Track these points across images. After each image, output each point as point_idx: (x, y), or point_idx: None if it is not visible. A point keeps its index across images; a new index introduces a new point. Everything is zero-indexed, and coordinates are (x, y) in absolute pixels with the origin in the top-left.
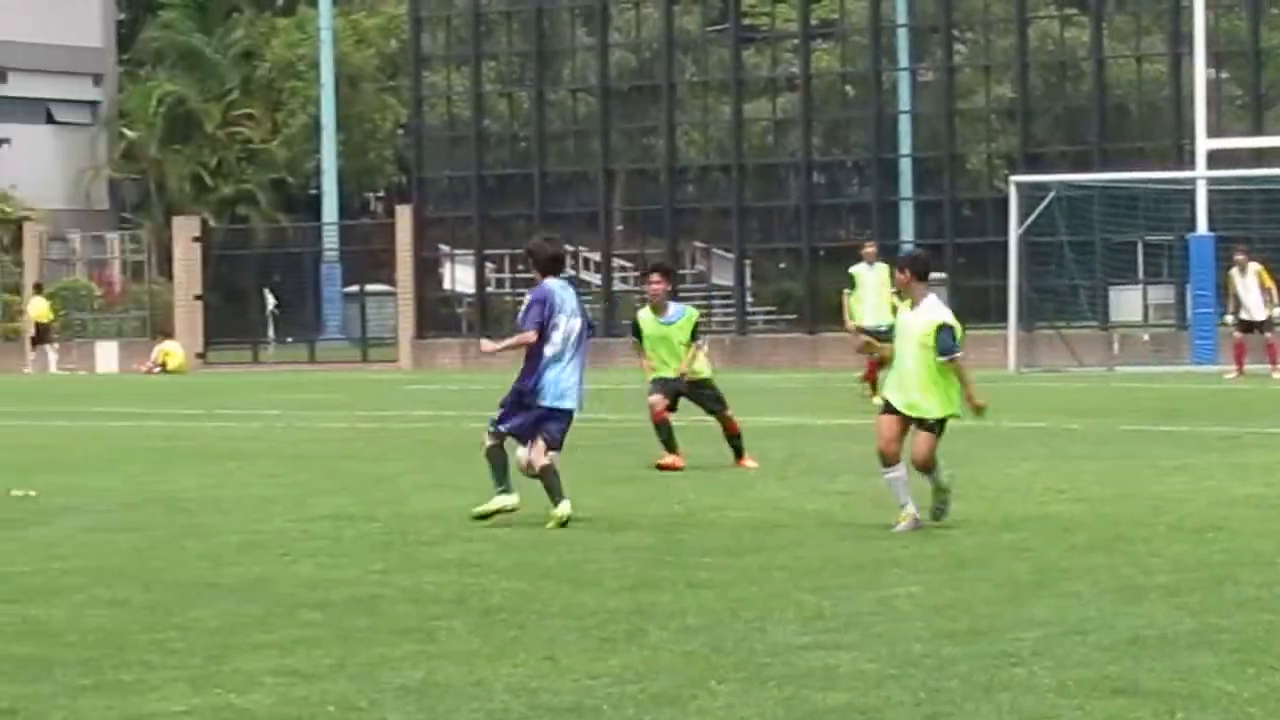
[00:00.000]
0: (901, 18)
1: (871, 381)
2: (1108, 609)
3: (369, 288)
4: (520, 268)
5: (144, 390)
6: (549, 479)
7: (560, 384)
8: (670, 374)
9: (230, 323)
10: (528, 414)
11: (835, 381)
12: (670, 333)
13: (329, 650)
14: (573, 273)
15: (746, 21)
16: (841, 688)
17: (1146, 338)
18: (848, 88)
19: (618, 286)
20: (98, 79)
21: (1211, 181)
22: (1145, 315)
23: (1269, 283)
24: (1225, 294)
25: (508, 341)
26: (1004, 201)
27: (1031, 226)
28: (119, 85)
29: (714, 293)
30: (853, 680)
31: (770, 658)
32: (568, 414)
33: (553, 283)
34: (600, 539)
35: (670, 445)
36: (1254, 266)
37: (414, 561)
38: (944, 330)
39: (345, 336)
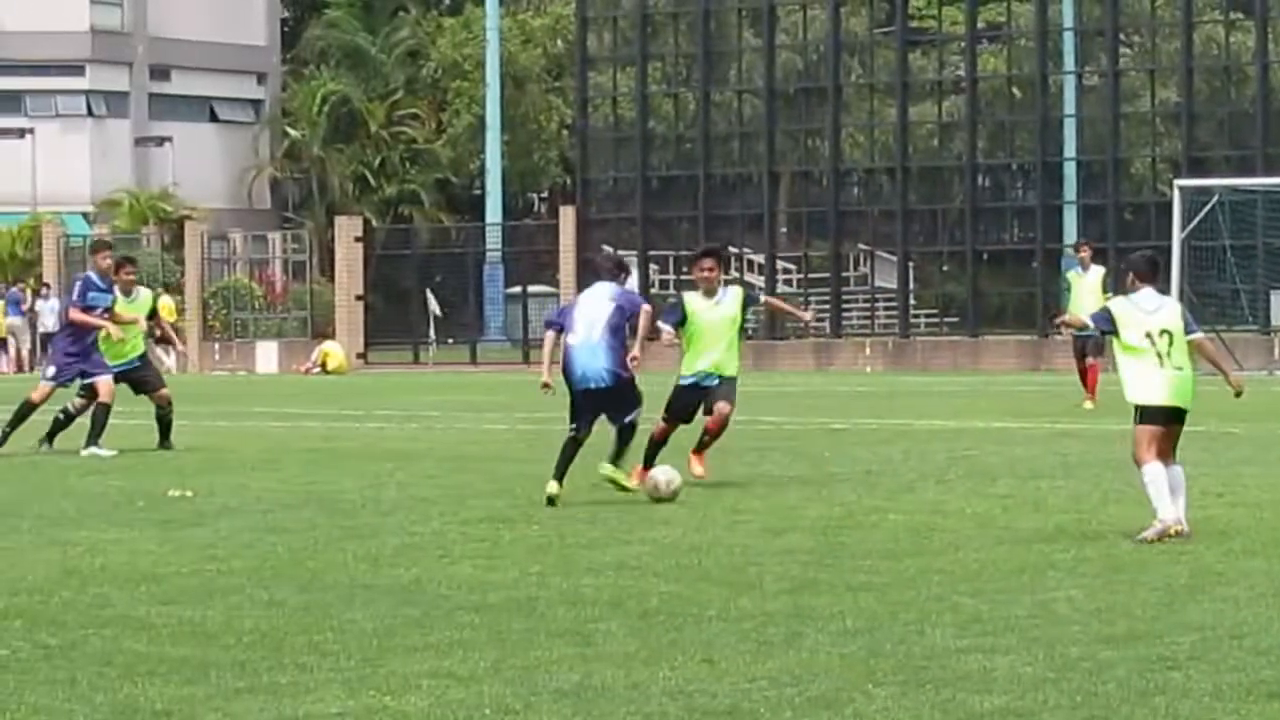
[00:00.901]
0: (1068, 21)
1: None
2: (1264, 613)
3: (532, 289)
4: (684, 270)
5: (303, 391)
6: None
7: None
8: (707, 366)
9: (391, 323)
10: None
11: (996, 385)
12: (721, 314)
13: (485, 653)
14: (736, 274)
15: (913, 24)
16: (998, 691)
17: None
18: (1013, 91)
19: (781, 289)
20: (261, 78)
21: None
22: None
23: None
24: None
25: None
26: (1167, 205)
27: (1194, 230)
28: (283, 84)
29: (877, 295)
30: (1009, 684)
31: (927, 661)
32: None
33: None
34: (760, 542)
35: (651, 461)
36: None
37: (571, 564)
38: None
39: (507, 338)
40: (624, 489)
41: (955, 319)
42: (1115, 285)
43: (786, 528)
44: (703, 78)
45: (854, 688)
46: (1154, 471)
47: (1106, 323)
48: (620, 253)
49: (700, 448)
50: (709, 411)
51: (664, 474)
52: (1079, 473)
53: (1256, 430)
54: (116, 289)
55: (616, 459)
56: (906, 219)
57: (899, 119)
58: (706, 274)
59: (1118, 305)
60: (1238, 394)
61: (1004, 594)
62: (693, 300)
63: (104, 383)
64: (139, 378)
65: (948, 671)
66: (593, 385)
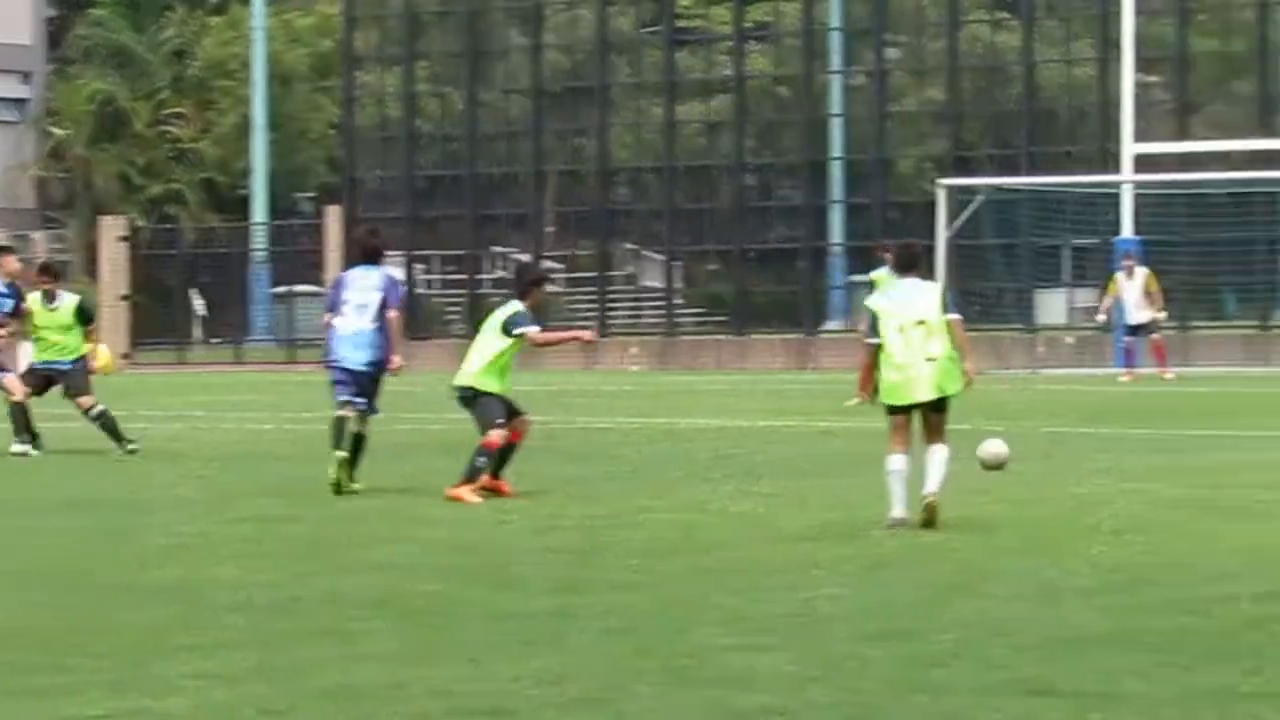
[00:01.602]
0: (834, 21)
1: None
2: (1027, 610)
3: (297, 288)
4: (450, 268)
5: None
6: None
7: None
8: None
9: (157, 323)
10: None
11: (762, 383)
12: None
13: (248, 653)
14: (501, 273)
15: (680, 23)
16: (762, 689)
17: (1071, 340)
18: (780, 90)
19: (549, 289)
20: (26, 76)
21: (1137, 186)
22: (1070, 318)
23: (1154, 288)
24: (1105, 296)
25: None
26: (933, 204)
27: (960, 229)
28: (48, 83)
29: (643, 294)
30: (773, 682)
31: (691, 659)
32: None
33: None
34: (525, 541)
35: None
36: (1141, 271)
37: (336, 564)
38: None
39: (273, 337)
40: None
41: (722, 318)
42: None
43: (551, 527)
44: (470, 77)
45: (617, 687)
46: (897, 463)
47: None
48: (387, 253)
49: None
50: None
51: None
52: (843, 471)
53: (1019, 429)
54: (34, 293)
55: (355, 460)
56: (673, 218)
57: (666, 118)
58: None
59: (875, 301)
60: (968, 383)
61: (768, 592)
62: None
63: (8, 380)
64: (65, 381)
65: (711, 670)
66: (351, 366)
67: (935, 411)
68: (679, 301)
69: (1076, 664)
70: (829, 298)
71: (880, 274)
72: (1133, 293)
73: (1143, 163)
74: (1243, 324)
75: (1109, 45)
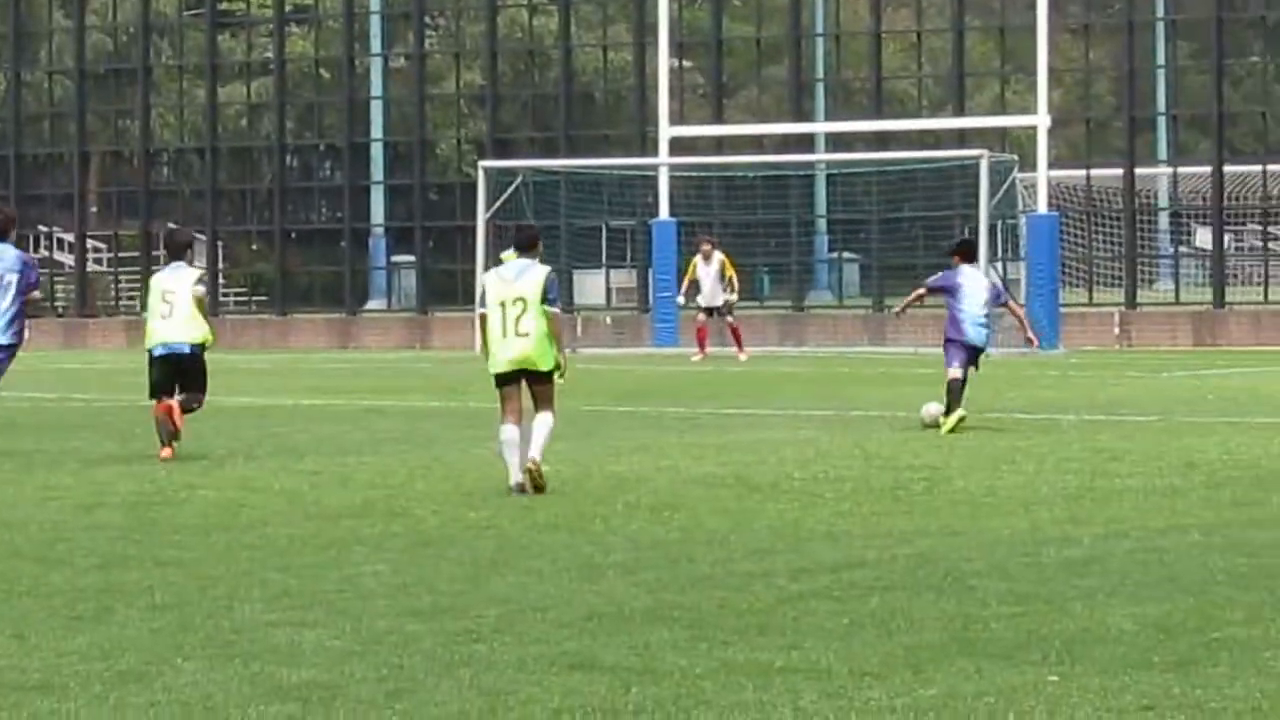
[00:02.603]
0: (375, 4)
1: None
2: (567, 586)
3: None
4: None
5: None
6: None
7: None
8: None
9: None
10: None
11: (305, 363)
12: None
13: None
14: (46, 253)
15: (222, 6)
16: (306, 664)
17: (609, 320)
18: (321, 72)
19: (92, 267)
20: None
21: (673, 168)
22: (608, 299)
23: (730, 271)
24: (684, 279)
25: None
26: (473, 186)
27: (499, 211)
28: None
29: None
30: (317, 657)
31: (236, 635)
32: None
33: None
34: (71, 518)
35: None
36: (719, 255)
37: None
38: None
39: None
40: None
41: (264, 297)
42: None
43: (97, 504)
44: (13, 58)
45: (163, 661)
46: (506, 433)
47: (483, 301)
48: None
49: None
50: None
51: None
52: (386, 449)
53: (558, 407)
54: None
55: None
56: (216, 198)
57: (208, 100)
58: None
59: (489, 276)
60: (561, 372)
61: (312, 569)
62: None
63: None
64: None
65: (256, 645)
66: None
67: (537, 383)
68: (222, 281)
69: (617, 639)
70: (370, 278)
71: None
72: (709, 276)
73: (679, 146)
74: (778, 305)
75: (645, 30)
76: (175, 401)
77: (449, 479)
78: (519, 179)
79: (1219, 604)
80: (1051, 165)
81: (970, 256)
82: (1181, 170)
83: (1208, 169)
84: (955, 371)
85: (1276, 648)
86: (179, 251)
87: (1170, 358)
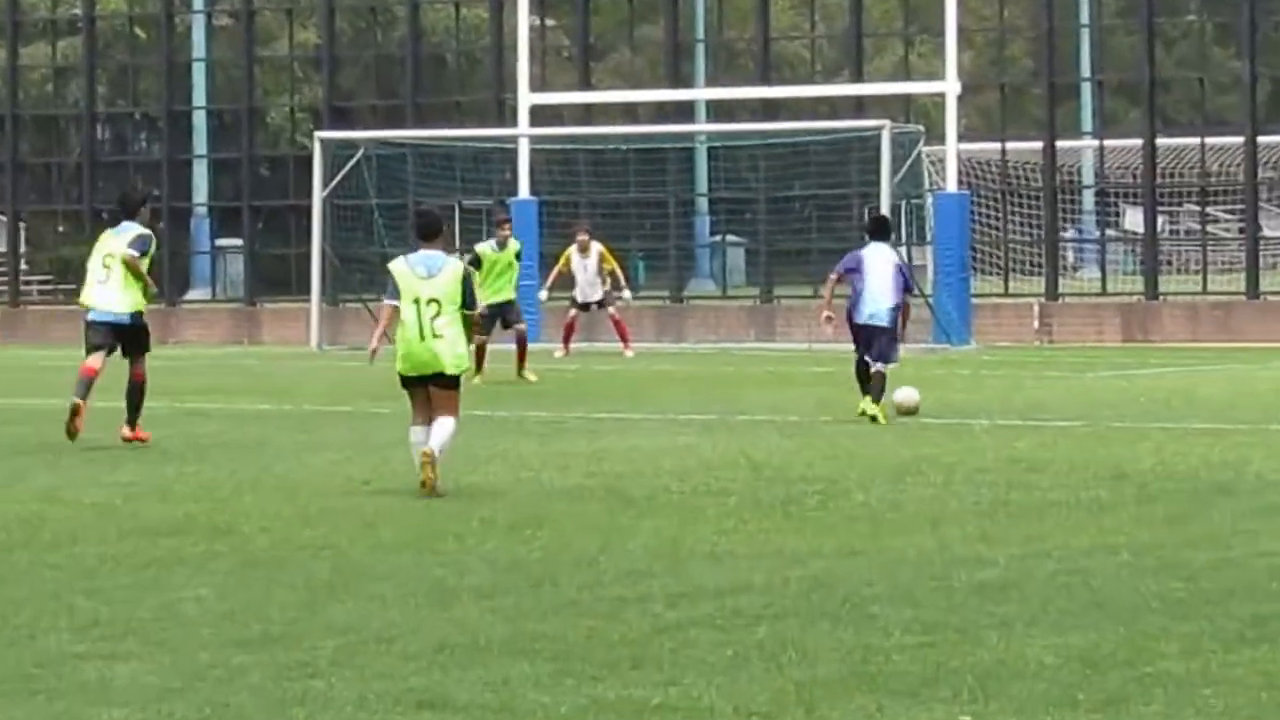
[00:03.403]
0: None
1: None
2: (415, 613)
3: None
4: None
5: None
6: None
7: None
8: None
9: None
10: None
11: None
12: None
13: None
14: None
15: None
16: (119, 702)
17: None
18: (136, 31)
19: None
20: None
21: (534, 140)
22: None
23: (611, 263)
24: (552, 271)
25: None
26: (308, 160)
27: (338, 188)
28: None
29: None
30: (132, 694)
31: (39, 669)
32: None
33: None
34: None
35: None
36: (597, 247)
37: None
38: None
39: None
40: None
41: (72, 286)
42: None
43: None
44: None
45: None
46: (417, 435)
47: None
48: None
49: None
50: None
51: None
52: (211, 457)
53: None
54: None
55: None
56: (17, 173)
57: (9, 61)
58: None
59: (396, 265)
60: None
61: (126, 593)
62: None
63: None
64: None
65: (63, 681)
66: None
67: (444, 387)
68: (24, 267)
69: (471, 673)
70: (192, 264)
71: (488, 248)
72: (586, 270)
73: (541, 115)
74: (654, 295)
75: None
76: (83, 407)
77: (281, 492)
78: (360, 152)
79: (1152, 634)
80: (962, 137)
81: (880, 233)
82: (1108, 143)
83: (1138, 142)
84: (858, 355)
85: (1216, 684)
86: (131, 210)
87: (1096, 355)
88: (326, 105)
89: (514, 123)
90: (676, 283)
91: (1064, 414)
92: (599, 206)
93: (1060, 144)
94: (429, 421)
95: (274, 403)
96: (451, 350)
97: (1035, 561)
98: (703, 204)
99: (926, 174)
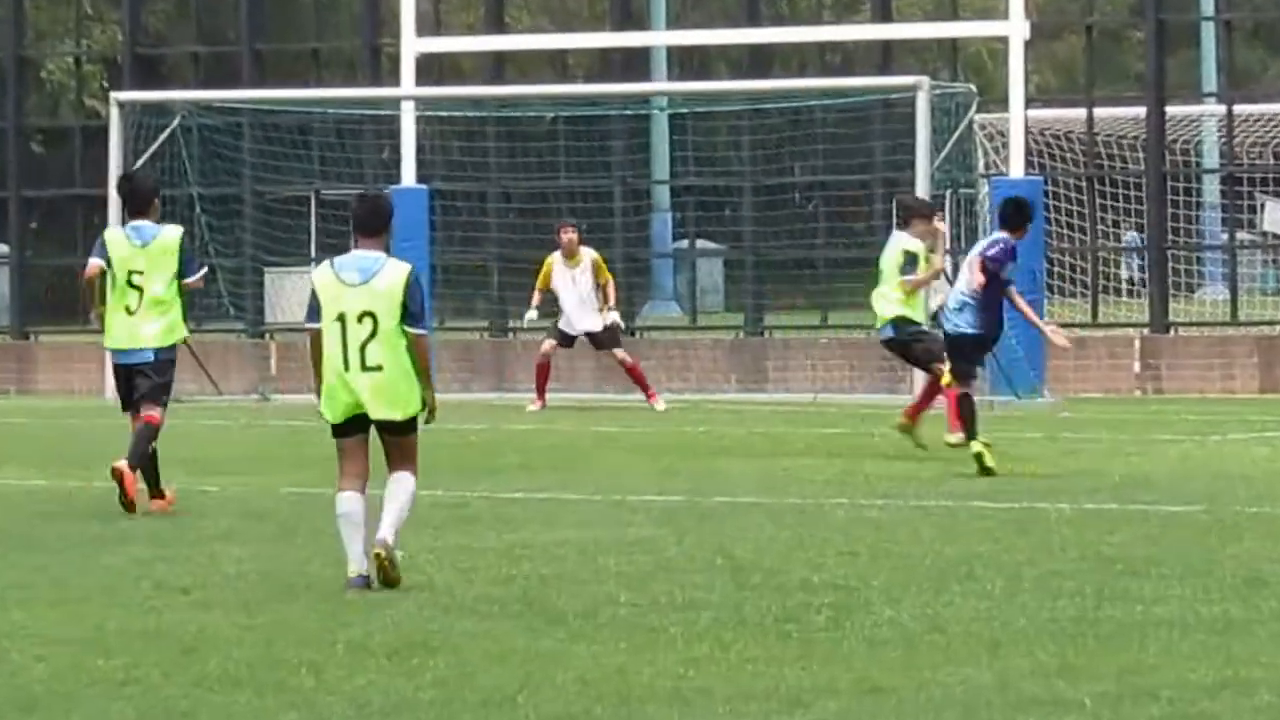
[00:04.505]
0: None
1: None
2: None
3: None
4: None
5: None
6: None
7: None
8: None
9: None
10: None
11: None
12: None
13: None
14: None
15: None
16: None
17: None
18: None
19: None
20: None
21: (424, 104)
22: None
23: (606, 276)
24: (535, 287)
25: None
26: (102, 132)
27: (145, 170)
28: None
29: None
30: None
31: None
32: None
33: None
34: None
35: None
36: (589, 254)
37: None
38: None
39: None
40: None
41: None
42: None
43: None
44: None
45: None
46: (345, 504)
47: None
48: None
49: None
50: None
51: None
52: None
53: None
54: None
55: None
56: None
57: None
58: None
59: (320, 274)
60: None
61: None
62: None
63: None
64: None
65: None
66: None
67: (393, 434)
68: None
69: None
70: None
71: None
72: (578, 286)
73: (432, 68)
74: None
75: None
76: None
77: (64, 605)
78: (176, 120)
79: None
80: (1031, 101)
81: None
82: (1240, 110)
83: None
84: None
85: None
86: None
87: (1223, 410)
88: (128, 54)
89: (395, 80)
90: (626, 308)
91: (1177, 495)
92: (515, 199)
93: (1172, 110)
94: (364, 485)
95: (53, 478)
96: (395, 384)
97: (1136, 704)
98: (663, 195)
99: (981, 152)
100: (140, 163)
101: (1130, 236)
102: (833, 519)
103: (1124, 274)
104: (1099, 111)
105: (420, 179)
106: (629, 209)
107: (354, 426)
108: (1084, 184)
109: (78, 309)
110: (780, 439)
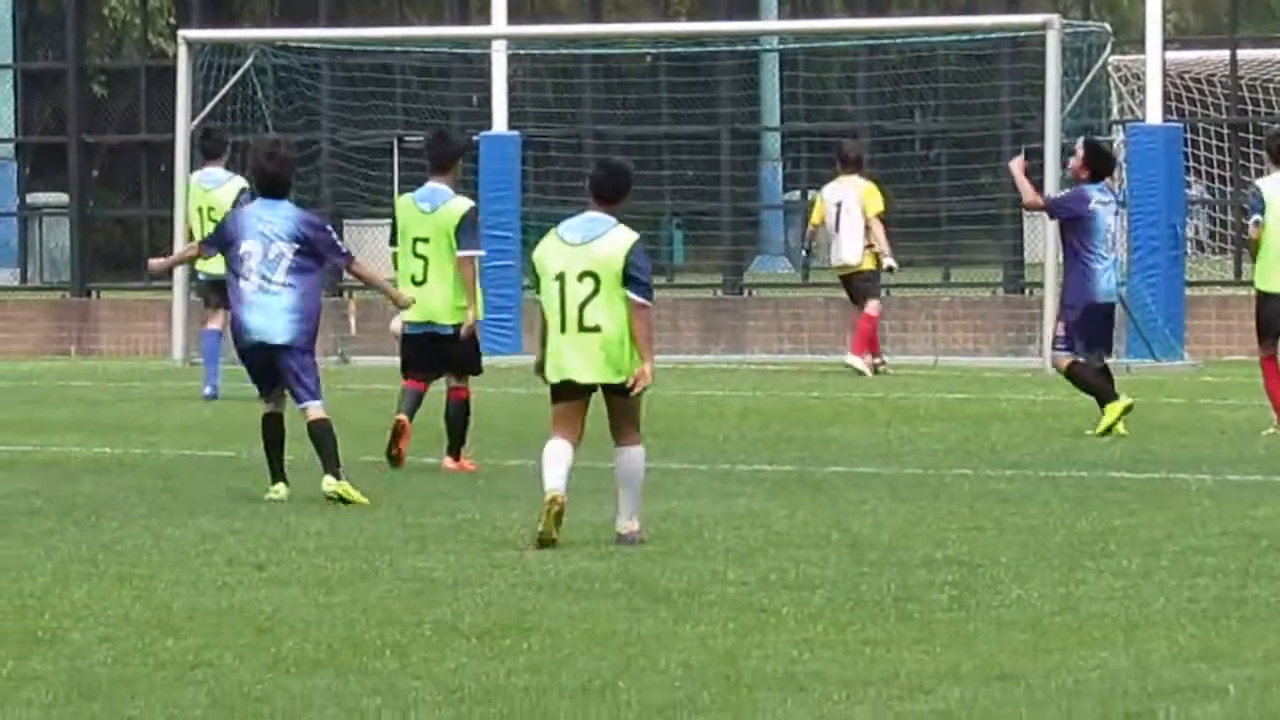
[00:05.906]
0: None
1: None
2: None
3: None
4: None
5: None
6: None
7: None
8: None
9: None
10: None
11: None
12: None
13: None
14: None
15: None
16: None
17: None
18: None
19: None
20: None
21: (516, 44)
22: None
23: (878, 205)
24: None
25: None
26: (168, 73)
27: (215, 113)
28: None
29: None
30: None
31: None
32: None
33: None
34: None
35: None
36: (860, 182)
37: None
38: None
39: None
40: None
41: None
42: None
43: None
44: None
45: None
46: (554, 449)
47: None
48: None
49: None
50: None
51: None
52: (20, 529)
53: None
54: None
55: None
56: None
57: None
58: None
59: (547, 243)
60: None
61: None
62: None
63: None
64: None
65: None
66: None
67: (616, 398)
68: None
69: None
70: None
71: None
72: (848, 217)
73: (524, 6)
74: (699, 283)
75: None
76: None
77: (129, 582)
78: (248, 61)
79: None
80: (1170, 41)
81: (1100, 169)
82: None
83: None
84: (1063, 359)
85: None
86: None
87: None
88: None
89: (485, 18)
90: (733, 264)
91: None
92: (613, 147)
93: None
94: (577, 441)
95: (117, 444)
96: (613, 345)
97: None
98: (772, 143)
99: (1115, 96)
100: (208, 108)
101: None
102: (956, 491)
103: None
104: (1243, 53)
105: (511, 125)
106: (736, 157)
107: (572, 391)
108: (1227, 132)
109: (142, 264)
110: (900, 406)
